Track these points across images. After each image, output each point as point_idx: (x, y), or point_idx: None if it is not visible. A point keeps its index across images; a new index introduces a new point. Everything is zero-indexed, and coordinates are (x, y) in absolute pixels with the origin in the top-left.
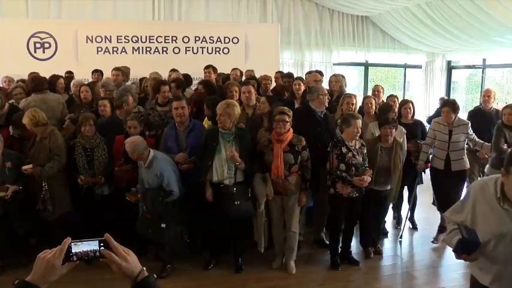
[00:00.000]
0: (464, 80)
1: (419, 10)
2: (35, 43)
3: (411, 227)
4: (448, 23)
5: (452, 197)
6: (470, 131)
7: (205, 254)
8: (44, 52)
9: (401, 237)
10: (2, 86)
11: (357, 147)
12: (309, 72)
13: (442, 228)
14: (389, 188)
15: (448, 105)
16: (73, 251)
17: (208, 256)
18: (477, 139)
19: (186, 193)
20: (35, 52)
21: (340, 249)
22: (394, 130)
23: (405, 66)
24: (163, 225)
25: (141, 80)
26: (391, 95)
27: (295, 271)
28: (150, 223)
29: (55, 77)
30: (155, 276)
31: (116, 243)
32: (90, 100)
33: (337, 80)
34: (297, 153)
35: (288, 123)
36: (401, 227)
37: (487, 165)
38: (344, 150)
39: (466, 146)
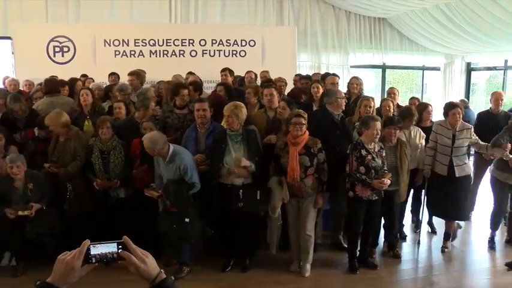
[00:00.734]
0: (484, 82)
1: (437, 11)
2: (54, 47)
3: (430, 231)
4: (467, 24)
5: (457, 203)
6: (474, 135)
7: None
8: (63, 56)
9: (419, 242)
10: (23, 89)
11: (376, 149)
12: (326, 74)
13: (447, 236)
14: (397, 188)
15: (459, 107)
16: (92, 253)
17: (226, 258)
18: (481, 142)
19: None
20: (54, 56)
21: (358, 253)
22: (398, 131)
23: (423, 69)
24: (187, 220)
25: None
26: (413, 98)
27: (309, 274)
28: (173, 219)
29: (73, 80)
30: (173, 278)
31: (134, 246)
32: (91, 103)
33: (358, 83)
34: (312, 155)
35: (304, 126)
36: (419, 231)
37: (492, 167)
38: (363, 152)
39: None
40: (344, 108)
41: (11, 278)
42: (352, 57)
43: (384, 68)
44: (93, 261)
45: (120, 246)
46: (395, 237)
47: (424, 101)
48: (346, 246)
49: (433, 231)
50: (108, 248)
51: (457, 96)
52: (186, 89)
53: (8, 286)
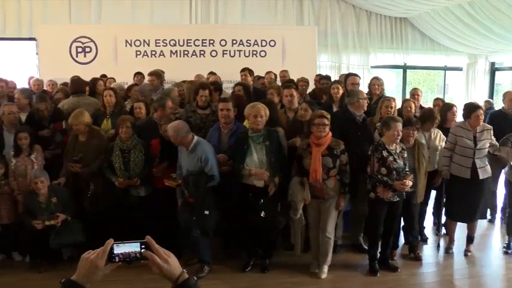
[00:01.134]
0: (509, 82)
1: (461, 10)
2: (76, 47)
3: (445, 232)
4: (492, 22)
5: (478, 205)
6: (493, 137)
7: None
8: (85, 56)
9: (439, 245)
10: (46, 89)
11: (397, 151)
12: (347, 75)
13: (470, 239)
14: (414, 189)
15: (481, 109)
16: (115, 252)
17: (246, 258)
18: (497, 143)
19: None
20: (77, 56)
21: (379, 254)
22: (416, 132)
23: (445, 69)
24: (206, 212)
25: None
26: (437, 98)
27: (325, 276)
28: (193, 210)
29: (95, 80)
30: (195, 278)
31: (157, 246)
32: (114, 104)
33: (379, 84)
34: (335, 157)
35: (327, 127)
36: (440, 233)
37: (507, 169)
38: (385, 154)
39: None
40: (366, 109)
41: (35, 274)
42: (372, 58)
43: (404, 68)
44: (117, 260)
45: (143, 246)
46: (415, 238)
47: (446, 102)
48: (366, 247)
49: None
50: (131, 247)
51: (480, 97)
52: (206, 89)
53: (31, 282)
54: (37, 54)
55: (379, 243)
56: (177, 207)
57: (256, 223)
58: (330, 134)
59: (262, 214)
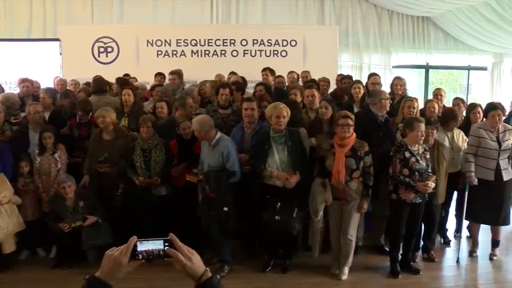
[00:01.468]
0: None
1: (487, 8)
2: (99, 47)
3: (469, 235)
4: None
5: (503, 208)
6: None
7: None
8: (107, 56)
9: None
10: (69, 88)
11: (420, 152)
12: (370, 76)
13: (495, 243)
14: (435, 190)
15: (499, 109)
16: (139, 249)
17: (267, 258)
18: None
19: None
20: (99, 56)
21: (400, 256)
22: (435, 131)
23: (469, 68)
24: (225, 209)
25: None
26: (457, 98)
27: (346, 277)
28: (213, 206)
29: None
30: (219, 277)
31: (180, 243)
32: (132, 103)
33: (402, 84)
34: (359, 158)
35: (352, 128)
36: (459, 235)
37: None
38: (407, 154)
39: None
40: (388, 109)
41: (58, 270)
42: (394, 57)
43: (427, 68)
44: (140, 257)
45: (166, 244)
46: (432, 240)
47: (469, 102)
48: (387, 249)
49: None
50: (154, 245)
51: (506, 98)
52: (227, 88)
53: (56, 277)
54: (61, 54)
55: (401, 245)
56: (197, 206)
57: (270, 225)
58: (354, 134)
59: (277, 217)
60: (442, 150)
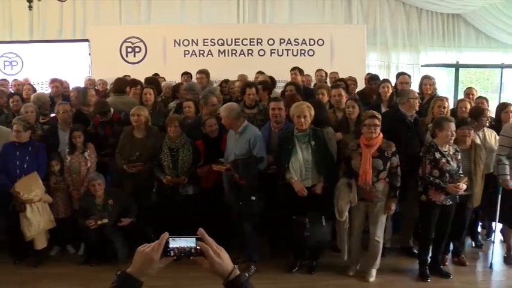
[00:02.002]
0: None
1: None
2: (126, 47)
3: (503, 239)
4: None
5: None
6: None
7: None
8: (134, 56)
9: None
10: (97, 88)
11: (450, 152)
12: (398, 75)
13: None
14: (469, 192)
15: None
16: (170, 246)
17: (293, 258)
18: None
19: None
20: (127, 56)
21: (429, 259)
22: (472, 131)
23: (502, 67)
24: (253, 198)
25: (225, 82)
26: (480, 97)
27: (373, 279)
28: (240, 195)
29: (178, 86)
30: (247, 275)
31: (210, 239)
32: (153, 102)
33: (431, 83)
34: (386, 159)
35: (378, 128)
36: (490, 239)
37: None
38: (437, 155)
39: None
40: (417, 109)
41: (87, 266)
42: (423, 56)
43: (457, 66)
44: (172, 254)
45: (198, 242)
46: (462, 243)
47: (502, 101)
48: (416, 251)
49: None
50: (186, 242)
51: None
52: (253, 88)
53: (85, 273)
54: (89, 54)
55: (430, 248)
56: (224, 206)
57: (301, 242)
58: (381, 135)
59: (307, 234)
60: (480, 152)
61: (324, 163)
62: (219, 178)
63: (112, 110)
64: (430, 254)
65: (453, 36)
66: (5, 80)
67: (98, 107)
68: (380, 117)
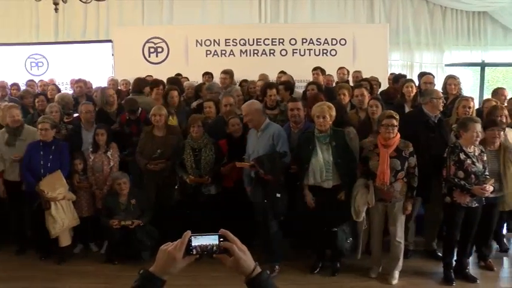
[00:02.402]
0: None
1: None
2: (149, 48)
3: None
4: None
5: None
6: None
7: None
8: (157, 56)
9: None
10: (120, 88)
11: (476, 153)
12: (421, 74)
13: None
14: (499, 194)
15: None
16: (193, 244)
17: (315, 259)
18: None
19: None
20: (149, 56)
21: (454, 263)
22: (502, 132)
23: None
24: (278, 195)
25: (244, 81)
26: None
27: (396, 281)
28: (265, 193)
29: (201, 86)
30: (268, 272)
31: (233, 236)
32: (178, 102)
33: (456, 83)
34: (404, 159)
35: (396, 128)
36: None
37: None
38: (462, 156)
39: None
40: (441, 109)
41: (110, 265)
42: (447, 55)
43: (482, 65)
44: (194, 252)
45: (221, 239)
46: (489, 247)
47: None
48: (440, 254)
49: None
50: (209, 240)
51: None
52: (274, 89)
53: (108, 271)
54: (113, 55)
55: (455, 251)
56: (246, 206)
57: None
58: (399, 135)
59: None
60: (509, 154)
61: (344, 164)
62: (240, 177)
63: (140, 108)
64: (455, 257)
65: (479, 34)
66: (32, 80)
67: (128, 105)
68: (397, 117)
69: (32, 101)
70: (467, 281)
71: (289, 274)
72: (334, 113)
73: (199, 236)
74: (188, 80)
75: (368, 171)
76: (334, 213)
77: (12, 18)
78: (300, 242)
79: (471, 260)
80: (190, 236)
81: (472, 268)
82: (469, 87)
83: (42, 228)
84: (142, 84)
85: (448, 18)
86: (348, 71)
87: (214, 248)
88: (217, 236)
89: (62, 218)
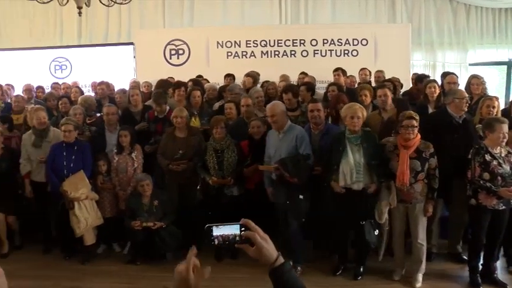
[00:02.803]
0: None
1: None
2: (170, 50)
3: None
4: None
5: None
6: None
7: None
8: (178, 58)
9: None
10: (142, 90)
11: (502, 154)
12: (444, 74)
13: None
14: None
15: None
16: (214, 234)
17: (338, 261)
18: None
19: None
20: (171, 58)
21: (481, 267)
22: None
23: None
24: (301, 197)
25: (264, 83)
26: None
27: (420, 285)
28: (288, 194)
29: (224, 87)
30: (291, 263)
31: (255, 226)
32: (201, 103)
33: (479, 83)
34: (424, 160)
35: (416, 129)
36: None
37: None
38: (488, 158)
39: None
40: (465, 109)
41: (132, 265)
42: (471, 54)
43: (509, 64)
44: (216, 242)
45: (242, 229)
46: None
47: None
48: (465, 258)
49: None
50: (230, 229)
51: None
52: (289, 93)
53: (131, 272)
54: (134, 57)
55: (481, 255)
56: (267, 207)
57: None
58: (419, 135)
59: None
60: None
61: (376, 166)
62: (261, 179)
63: (168, 107)
64: (481, 261)
65: (505, 32)
66: (56, 83)
67: (156, 97)
68: (417, 117)
69: (55, 103)
70: (496, 286)
71: (311, 276)
72: (365, 114)
73: (221, 226)
74: (209, 82)
75: (389, 172)
76: (361, 212)
77: (38, 23)
78: (321, 244)
79: (498, 264)
80: (212, 226)
81: (500, 273)
82: (495, 86)
83: (66, 227)
84: (163, 86)
85: (472, 16)
86: (370, 72)
87: (237, 237)
88: (238, 225)
89: (86, 218)
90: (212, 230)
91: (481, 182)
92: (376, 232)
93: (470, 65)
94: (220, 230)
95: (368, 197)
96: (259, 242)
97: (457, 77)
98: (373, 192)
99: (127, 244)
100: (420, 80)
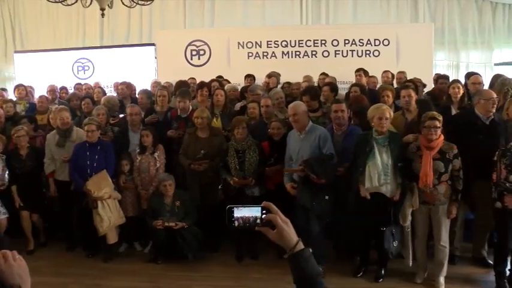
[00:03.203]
0: None
1: None
2: (191, 51)
3: None
4: None
5: None
6: None
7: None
8: (199, 59)
9: None
10: None
11: None
12: (469, 74)
13: None
14: None
15: None
16: (235, 215)
17: (359, 263)
18: None
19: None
20: (191, 59)
21: (508, 272)
22: None
23: None
24: (327, 197)
25: (285, 84)
26: None
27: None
28: (314, 196)
29: (244, 89)
30: (310, 250)
31: (277, 209)
32: (223, 104)
33: (504, 84)
34: (447, 161)
35: (439, 129)
36: None
37: None
38: None
39: None
40: (493, 110)
41: (153, 264)
42: (497, 54)
43: None
44: (236, 224)
45: (264, 211)
46: None
47: None
48: (491, 262)
49: None
50: (251, 212)
51: None
52: (307, 95)
53: (152, 271)
54: (156, 58)
55: (508, 259)
56: (288, 208)
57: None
58: (442, 136)
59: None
60: None
61: (403, 167)
62: (280, 180)
63: (191, 107)
64: (509, 266)
65: None
66: (79, 84)
67: (181, 93)
68: (440, 118)
69: (78, 103)
70: None
71: (332, 277)
72: (392, 115)
73: (242, 208)
74: (230, 83)
75: (412, 174)
76: (384, 216)
77: (61, 25)
78: (343, 244)
79: None
80: (233, 207)
81: None
82: None
83: (89, 226)
84: (179, 87)
85: (499, 14)
86: (393, 75)
87: (258, 220)
88: (259, 208)
89: (109, 216)
90: (233, 211)
91: (507, 184)
92: (395, 243)
93: (495, 64)
94: (241, 212)
95: (393, 202)
96: (280, 224)
97: (481, 76)
98: (398, 199)
99: (148, 243)
100: (436, 80)
